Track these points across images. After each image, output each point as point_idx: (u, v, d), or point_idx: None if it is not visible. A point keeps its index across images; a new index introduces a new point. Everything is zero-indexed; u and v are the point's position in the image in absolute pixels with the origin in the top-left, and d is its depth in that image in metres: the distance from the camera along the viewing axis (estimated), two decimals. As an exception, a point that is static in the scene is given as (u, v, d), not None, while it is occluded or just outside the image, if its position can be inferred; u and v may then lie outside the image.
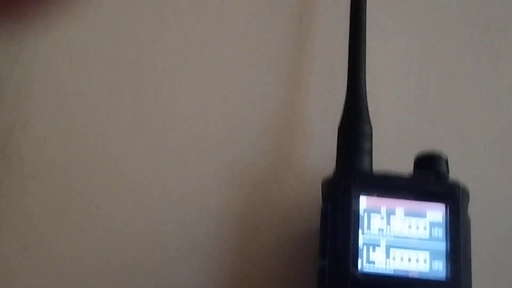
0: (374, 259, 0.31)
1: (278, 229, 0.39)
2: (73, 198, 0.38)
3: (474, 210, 0.36)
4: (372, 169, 0.34)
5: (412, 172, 0.34)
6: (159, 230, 0.38)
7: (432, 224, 0.32)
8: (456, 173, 0.35)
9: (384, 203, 0.33)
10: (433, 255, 0.32)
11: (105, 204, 0.38)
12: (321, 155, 0.39)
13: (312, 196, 0.38)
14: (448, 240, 0.32)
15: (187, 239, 0.38)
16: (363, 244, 0.32)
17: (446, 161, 0.34)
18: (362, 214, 0.32)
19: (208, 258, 0.38)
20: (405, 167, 0.35)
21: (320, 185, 0.35)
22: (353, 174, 0.33)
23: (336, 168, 0.34)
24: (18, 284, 0.36)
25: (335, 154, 0.36)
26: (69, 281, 0.36)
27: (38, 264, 0.36)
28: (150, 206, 0.38)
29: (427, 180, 0.33)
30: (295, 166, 0.40)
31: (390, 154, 0.39)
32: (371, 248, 0.32)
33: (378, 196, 0.32)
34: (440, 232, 0.32)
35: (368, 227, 0.32)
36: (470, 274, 0.32)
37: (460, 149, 0.41)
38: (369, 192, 0.32)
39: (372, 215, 0.32)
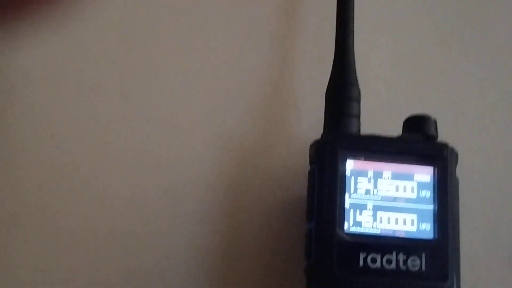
0: (360, 221, 0.32)
1: (267, 196, 0.39)
2: (61, 166, 0.38)
3: (462, 172, 0.36)
4: (360, 132, 0.34)
5: (401, 135, 0.34)
6: (149, 198, 0.38)
7: (420, 186, 0.32)
8: (446, 137, 0.35)
9: (371, 166, 0.32)
10: (421, 217, 0.32)
11: (94, 172, 0.38)
12: (311, 121, 0.39)
13: (302, 162, 0.37)
14: (436, 201, 0.32)
15: (177, 207, 0.38)
16: (350, 206, 0.32)
17: (435, 123, 0.34)
18: (349, 177, 0.32)
19: (198, 225, 0.38)
20: (394, 131, 0.35)
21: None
22: (340, 137, 0.33)
23: (324, 132, 0.34)
24: (6, 252, 0.37)
25: (325, 118, 0.36)
26: (57, 249, 0.37)
27: (26, 232, 0.37)
28: (140, 174, 0.38)
29: (415, 141, 0.33)
30: (285, 133, 0.39)
31: (380, 118, 0.39)
32: (358, 210, 0.32)
33: (365, 159, 0.32)
34: (427, 194, 0.32)
35: (355, 190, 0.32)
36: (458, 234, 0.32)
37: (450, 113, 0.40)
38: (356, 155, 0.32)
39: (359, 177, 0.32)
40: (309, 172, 0.33)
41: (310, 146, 0.34)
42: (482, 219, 0.39)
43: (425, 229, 0.32)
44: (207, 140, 0.39)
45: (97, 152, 0.38)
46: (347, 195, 0.32)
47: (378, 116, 0.39)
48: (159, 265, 0.37)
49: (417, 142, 0.33)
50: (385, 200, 0.32)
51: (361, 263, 0.30)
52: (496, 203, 0.40)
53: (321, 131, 0.36)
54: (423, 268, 0.30)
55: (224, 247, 0.38)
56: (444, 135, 0.35)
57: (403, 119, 0.36)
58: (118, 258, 0.37)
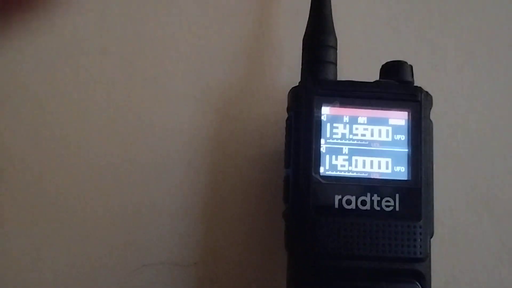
0: (336, 164, 0.32)
1: (250, 147, 0.40)
2: (46, 123, 0.39)
3: (440, 118, 0.37)
4: (336, 79, 0.34)
5: (376, 80, 0.34)
6: (133, 151, 0.39)
7: (395, 130, 0.33)
8: (423, 83, 0.35)
9: (346, 112, 0.33)
10: (395, 160, 0.33)
11: (78, 128, 0.39)
12: (292, 72, 0.39)
13: (282, 111, 0.38)
14: (410, 144, 0.33)
15: (160, 159, 0.39)
16: (326, 151, 0.32)
17: (411, 69, 0.34)
18: (325, 122, 0.33)
19: (182, 176, 0.39)
20: (372, 78, 0.35)
21: (288, 98, 0.36)
22: (316, 83, 0.33)
23: (301, 79, 0.35)
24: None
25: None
26: (44, 205, 0.38)
27: (13, 188, 0.38)
28: (123, 128, 0.39)
29: (390, 86, 0.33)
30: (267, 84, 0.40)
31: (357, 66, 0.39)
32: (333, 155, 0.32)
33: (340, 104, 0.33)
34: (402, 137, 0.33)
35: (331, 135, 0.33)
36: (431, 176, 0.33)
37: (427, 60, 0.41)
38: (331, 101, 0.33)
39: (335, 123, 0.33)
40: (286, 119, 0.34)
41: (288, 93, 0.34)
42: (460, 164, 0.40)
43: (400, 171, 0.32)
44: (188, 93, 0.40)
45: (80, 110, 0.39)
46: (322, 140, 0.32)
47: (356, 64, 0.39)
48: (144, 214, 0.38)
49: (392, 87, 0.33)
50: (360, 145, 0.33)
51: (336, 205, 0.31)
52: (475, 148, 0.40)
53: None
54: (397, 208, 0.31)
55: (208, 198, 0.39)
56: (421, 81, 0.35)
57: (381, 66, 0.36)
58: (103, 208, 0.38)
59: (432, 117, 0.35)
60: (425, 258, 0.31)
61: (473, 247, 0.39)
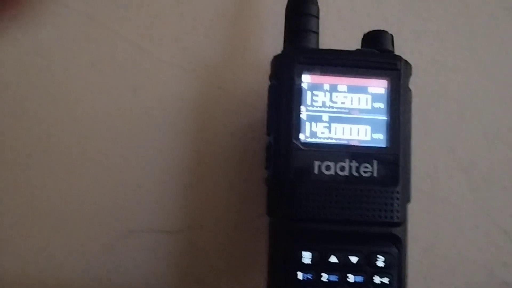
0: (316, 132, 0.33)
1: (233, 117, 0.40)
2: (37, 90, 0.39)
3: (417, 86, 0.38)
4: (318, 48, 0.35)
5: (357, 49, 0.35)
6: (118, 120, 0.39)
7: (374, 98, 0.33)
8: (404, 53, 0.35)
9: (327, 80, 0.33)
10: (374, 127, 0.33)
11: (64, 95, 0.39)
12: (275, 41, 0.39)
13: (267, 81, 0.38)
14: (389, 112, 0.33)
15: (145, 128, 0.39)
16: (306, 118, 0.33)
17: (392, 38, 0.35)
18: (306, 90, 0.33)
19: (167, 145, 0.39)
20: (354, 48, 0.36)
21: (271, 67, 0.36)
22: (297, 51, 0.33)
23: (283, 48, 0.35)
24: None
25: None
26: (31, 175, 0.38)
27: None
28: (108, 97, 0.39)
29: (370, 55, 0.33)
30: (250, 53, 0.40)
31: (339, 35, 0.39)
32: (313, 122, 0.33)
33: (321, 72, 0.33)
34: (381, 105, 0.33)
35: (311, 103, 0.33)
36: (409, 143, 0.33)
37: (408, 30, 0.41)
38: (312, 69, 0.33)
39: (315, 91, 0.33)
40: (268, 88, 0.34)
41: (271, 62, 0.35)
42: (439, 133, 0.41)
43: (378, 138, 0.33)
44: (172, 62, 0.40)
45: (66, 76, 0.39)
46: (303, 107, 0.33)
47: (338, 33, 0.40)
48: (130, 182, 0.39)
49: (372, 55, 0.33)
50: (340, 112, 0.33)
51: (316, 170, 0.32)
52: (454, 116, 0.41)
53: (284, 48, 0.37)
54: (375, 174, 0.32)
55: (192, 166, 0.40)
56: (402, 51, 0.36)
57: (362, 35, 0.37)
58: (90, 175, 0.39)
59: (412, 86, 0.35)
60: (402, 222, 0.32)
61: (452, 214, 0.40)
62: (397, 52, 0.35)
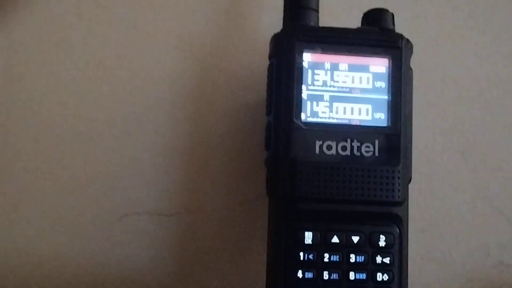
0: (317, 111, 0.32)
1: (232, 97, 0.40)
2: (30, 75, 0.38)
3: (416, 66, 0.37)
4: (318, 26, 0.34)
5: (358, 28, 0.34)
6: (115, 102, 0.38)
7: (375, 77, 0.33)
8: (404, 31, 0.35)
9: (328, 58, 0.33)
10: (376, 107, 0.33)
11: (58, 78, 0.38)
12: (273, 20, 0.39)
13: (264, 63, 0.38)
14: (390, 92, 0.33)
15: (142, 110, 0.39)
16: (307, 97, 0.32)
17: (392, 17, 0.34)
18: (306, 69, 0.32)
19: (164, 127, 0.39)
20: (354, 26, 0.35)
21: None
22: (297, 29, 0.33)
23: (283, 26, 0.34)
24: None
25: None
26: (27, 159, 0.38)
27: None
28: (104, 78, 0.38)
29: (371, 33, 0.33)
30: (248, 33, 0.40)
31: (339, 13, 0.39)
32: (314, 101, 0.32)
33: (322, 51, 0.33)
34: (382, 84, 0.33)
35: (312, 82, 0.33)
36: (410, 122, 0.33)
37: (410, 9, 0.41)
38: (313, 47, 0.32)
39: (316, 70, 0.33)
40: (268, 67, 0.33)
41: (270, 40, 0.34)
42: (438, 114, 0.41)
43: (380, 118, 0.32)
44: (170, 43, 0.39)
45: (59, 58, 0.38)
46: (304, 87, 0.32)
47: (338, 11, 0.39)
48: (127, 164, 0.38)
49: (373, 34, 0.33)
50: (341, 91, 0.33)
51: (317, 150, 0.31)
52: (453, 97, 0.41)
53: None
54: (376, 153, 0.31)
55: (189, 147, 0.39)
56: (402, 29, 0.35)
57: (363, 14, 0.36)
58: (86, 159, 0.38)
59: (412, 65, 0.35)
60: (403, 201, 0.32)
61: (449, 195, 0.40)
62: (396, 31, 0.35)
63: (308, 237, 0.31)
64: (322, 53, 0.33)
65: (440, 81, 0.41)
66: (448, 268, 0.40)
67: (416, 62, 0.40)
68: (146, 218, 0.38)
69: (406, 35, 0.35)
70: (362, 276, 0.31)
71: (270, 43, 0.34)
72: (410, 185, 0.40)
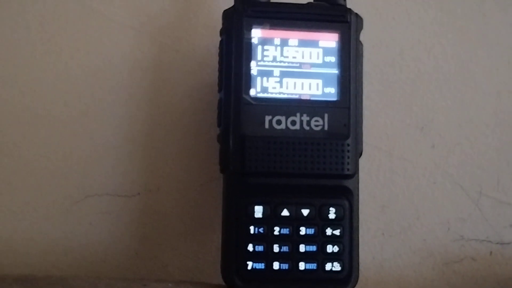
0: (267, 87, 0.33)
1: (189, 77, 0.40)
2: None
3: (374, 44, 0.38)
4: (268, 1, 0.34)
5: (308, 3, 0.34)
6: (71, 84, 0.38)
7: (325, 52, 0.33)
8: (360, 9, 0.35)
9: (277, 34, 0.33)
10: (326, 81, 0.33)
11: (14, 60, 0.38)
12: (230, 0, 0.39)
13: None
14: (340, 66, 0.33)
15: (99, 91, 0.39)
16: (257, 73, 0.33)
17: (343, -8, 0.35)
18: (256, 45, 0.33)
19: (122, 108, 0.39)
20: (305, 1, 0.35)
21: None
22: (246, 5, 0.33)
23: (234, 2, 0.34)
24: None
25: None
26: None
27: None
28: (59, 61, 0.38)
29: (320, 8, 0.33)
30: (204, 13, 0.39)
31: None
32: (265, 77, 0.33)
33: (271, 27, 0.33)
34: (332, 59, 0.33)
35: (262, 57, 0.33)
36: (361, 96, 0.33)
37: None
38: (262, 23, 0.33)
39: (266, 45, 0.33)
40: (219, 43, 0.34)
41: (222, 17, 0.34)
42: (396, 91, 0.41)
43: (330, 92, 0.33)
44: (125, 23, 0.39)
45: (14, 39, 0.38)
46: (254, 62, 0.33)
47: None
48: (87, 146, 0.38)
49: (322, 8, 0.33)
50: (291, 67, 0.33)
51: (266, 125, 0.32)
52: (411, 74, 0.41)
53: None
54: (326, 127, 0.32)
55: (148, 127, 0.39)
56: (360, 7, 0.35)
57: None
58: (46, 141, 0.38)
59: (369, 44, 0.35)
60: (353, 174, 0.32)
61: (409, 171, 0.41)
62: (352, 7, 0.35)
63: (258, 211, 0.31)
64: (271, 28, 0.33)
65: (398, 58, 0.41)
66: (409, 243, 0.40)
67: (374, 39, 0.41)
68: (107, 200, 0.38)
69: (363, 12, 0.35)
70: (313, 248, 0.31)
71: (222, 19, 0.34)
72: (369, 161, 0.41)
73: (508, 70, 0.41)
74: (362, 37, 0.35)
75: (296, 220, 0.31)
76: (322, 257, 0.31)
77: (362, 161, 0.35)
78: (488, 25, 0.41)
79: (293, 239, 0.31)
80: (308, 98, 0.33)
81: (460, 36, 0.41)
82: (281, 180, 0.31)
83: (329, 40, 0.33)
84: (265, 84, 0.32)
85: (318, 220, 0.31)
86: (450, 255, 0.40)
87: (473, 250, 0.40)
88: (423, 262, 0.40)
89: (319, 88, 0.33)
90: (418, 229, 0.40)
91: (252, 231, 0.31)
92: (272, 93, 0.32)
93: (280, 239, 0.31)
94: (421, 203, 0.41)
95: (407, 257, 0.40)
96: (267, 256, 0.31)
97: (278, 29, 0.33)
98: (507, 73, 0.41)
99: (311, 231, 0.31)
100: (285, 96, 0.33)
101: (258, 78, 0.32)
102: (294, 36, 0.33)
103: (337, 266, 0.32)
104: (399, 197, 0.41)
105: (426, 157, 0.41)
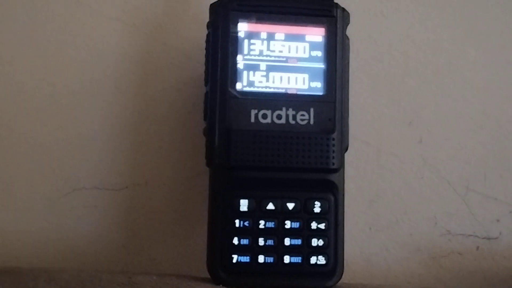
0: (253, 80, 0.33)
1: (177, 70, 0.40)
2: None
3: (362, 40, 0.38)
4: (256, -4, 0.34)
5: (297, -2, 0.34)
6: (59, 76, 0.38)
7: (312, 46, 0.33)
8: (349, 4, 0.35)
9: (264, 28, 0.33)
10: (312, 76, 0.33)
11: (5, 53, 0.39)
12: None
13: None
14: (326, 60, 0.33)
15: (87, 84, 0.39)
16: (243, 67, 0.33)
17: (331, -13, 0.35)
18: (242, 39, 0.33)
19: (110, 101, 0.39)
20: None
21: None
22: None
23: (223, -4, 0.34)
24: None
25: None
26: None
27: None
28: (47, 52, 0.38)
29: (307, 2, 0.33)
30: (192, 6, 0.39)
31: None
32: (251, 71, 0.33)
33: (257, 20, 0.33)
34: (319, 53, 0.33)
35: (248, 51, 0.33)
36: (347, 90, 0.33)
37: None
38: (248, 17, 0.33)
39: (252, 39, 0.33)
40: (206, 37, 0.34)
41: (209, 10, 0.34)
42: (385, 85, 0.41)
43: (316, 86, 0.33)
44: (113, 16, 0.39)
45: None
46: (240, 56, 0.32)
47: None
48: (74, 140, 0.38)
49: (309, 3, 0.33)
50: (278, 61, 0.33)
51: (252, 119, 0.32)
52: (398, 69, 0.41)
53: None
54: (311, 122, 0.32)
55: (136, 121, 0.39)
56: (349, 2, 0.35)
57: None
58: (33, 134, 0.38)
59: (357, 39, 0.35)
60: (339, 169, 0.32)
61: (396, 165, 0.41)
62: (340, 2, 0.35)
63: (244, 204, 0.31)
64: (257, 22, 0.33)
65: (387, 53, 0.41)
66: (396, 238, 0.40)
67: (362, 34, 0.41)
68: (94, 193, 0.39)
69: (351, 7, 0.35)
70: (298, 241, 0.31)
71: (209, 13, 0.34)
72: (357, 156, 0.41)
73: (496, 66, 0.42)
74: (350, 31, 0.35)
75: (281, 214, 0.31)
76: (307, 250, 0.31)
77: (350, 156, 0.36)
78: (476, 20, 0.42)
79: (278, 233, 0.31)
80: (294, 92, 0.33)
81: (449, 31, 0.41)
82: (266, 174, 0.31)
83: (316, 34, 0.33)
84: (251, 78, 0.32)
85: (303, 214, 0.31)
86: (437, 250, 0.40)
87: (460, 244, 0.40)
88: (410, 256, 0.40)
89: (305, 82, 0.33)
90: (405, 223, 0.41)
91: (237, 225, 0.31)
92: (258, 87, 0.32)
93: (265, 233, 0.31)
94: (408, 198, 0.41)
95: (394, 251, 0.40)
96: (252, 250, 0.31)
97: (265, 23, 0.33)
98: (495, 68, 0.42)
99: (296, 224, 0.31)
100: (271, 90, 0.33)
101: (245, 72, 0.32)
102: (280, 30, 0.33)
103: (322, 260, 0.32)
104: (387, 192, 0.41)
105: (413, 152, 0.41)
